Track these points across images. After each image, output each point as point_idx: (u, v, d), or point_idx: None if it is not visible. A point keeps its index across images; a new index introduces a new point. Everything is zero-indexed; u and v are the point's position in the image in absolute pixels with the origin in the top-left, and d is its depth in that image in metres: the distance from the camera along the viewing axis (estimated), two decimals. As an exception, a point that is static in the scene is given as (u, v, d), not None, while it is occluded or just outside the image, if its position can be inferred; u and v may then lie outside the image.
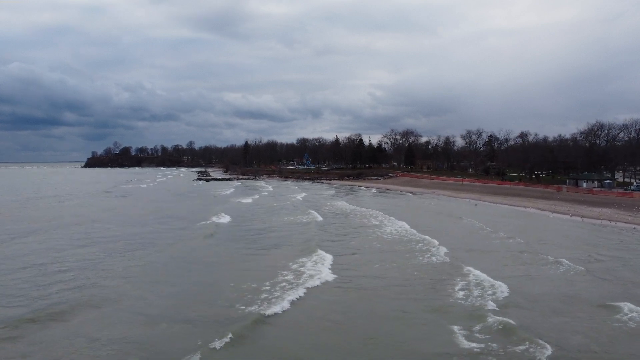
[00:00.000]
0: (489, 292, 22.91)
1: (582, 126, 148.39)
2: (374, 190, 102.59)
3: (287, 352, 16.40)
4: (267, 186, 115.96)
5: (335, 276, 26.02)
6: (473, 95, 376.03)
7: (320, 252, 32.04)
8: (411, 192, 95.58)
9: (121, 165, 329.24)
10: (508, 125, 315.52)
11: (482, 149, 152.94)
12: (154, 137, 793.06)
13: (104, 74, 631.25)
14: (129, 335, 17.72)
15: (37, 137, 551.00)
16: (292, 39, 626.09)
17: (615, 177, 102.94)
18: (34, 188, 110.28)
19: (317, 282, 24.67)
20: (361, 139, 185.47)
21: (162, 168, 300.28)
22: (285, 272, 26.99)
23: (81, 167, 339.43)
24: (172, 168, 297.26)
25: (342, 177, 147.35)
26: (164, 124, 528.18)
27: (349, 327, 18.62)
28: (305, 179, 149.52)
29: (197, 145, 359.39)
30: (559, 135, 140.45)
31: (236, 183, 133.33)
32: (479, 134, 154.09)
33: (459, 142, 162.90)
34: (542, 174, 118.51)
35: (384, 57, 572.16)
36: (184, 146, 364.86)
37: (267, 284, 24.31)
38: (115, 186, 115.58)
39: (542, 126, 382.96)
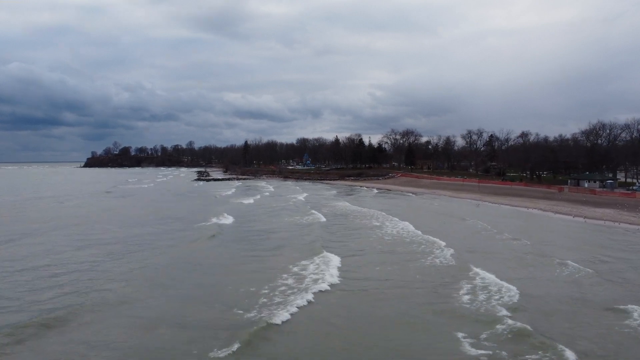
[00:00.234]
0: (500, 295, 22.53)
1: (582, 126, 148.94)
2: (375, 191, 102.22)
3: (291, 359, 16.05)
4: (267, 186, 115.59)
5: (342, 279, 25.55)
6: (473, 95, 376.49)
7: (326, 253, 31.67)
8: (412, 193, 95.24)
9: (121, 165, 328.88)
10: (508, 125, 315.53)
11: (482, 149, 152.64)
12: (153, 137, 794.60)
13: (103, 74, 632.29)
14: (128, 341, 17.28)
15: (37, 137, 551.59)
16: (292, 39, 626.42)
17: (617, 177, 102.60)
18: (33, 188, 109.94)
19: (325, 286, 24.07)
20: (361, 139, 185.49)
21: (162, 168, 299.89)
22: (291, 275, 26.57)
23: (81, 167, 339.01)
24: (172, 168, 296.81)
25: (342, 177, 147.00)
26: (163, 124, 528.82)
27: (360, 333, 18.24)
28: (305, 179, 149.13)
29: (197, 145, 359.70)
30: (560, 135, 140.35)
31: (236, 183, 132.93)
32: (480, 133, 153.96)
33: (460, 142, 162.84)
34: (544, 174, 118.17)
35: (384, 57, 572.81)
36: (184, 146, 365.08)
37: (272, 288, 23.86)
38: (115, 186, 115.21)
39: (542, 126, 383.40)
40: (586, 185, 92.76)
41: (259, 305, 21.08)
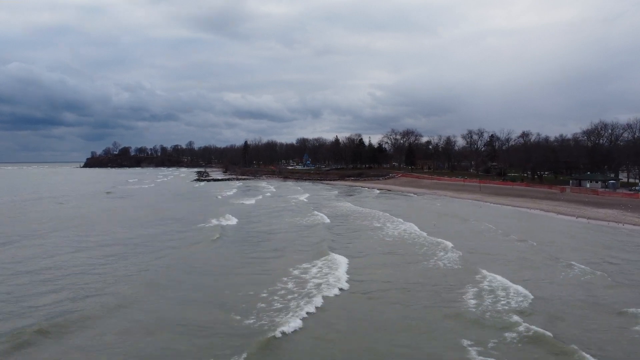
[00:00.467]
0: (511, 299, 22.27)
1: (583, 126, 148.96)
2: (376, 192, 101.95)
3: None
4: (268, 187, 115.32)
5: (351, 283, 25.20)
6: (473, 95, 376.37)
7: (332, 255, 31.40)
8: (413, 193, 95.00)
9: (120, 165, 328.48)
10: (508, 125, 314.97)
11: (483, 149, 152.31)
12: (153, 137, 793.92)
13: (103, 74, 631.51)
14: (127, 345, 16.96)
15: (37, 137, 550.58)
16: (292, 39, 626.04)
17: (619, 177, 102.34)
18: (32, 189, 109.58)
19: (334, 291, 23.63)
20: (361, 139, 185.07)
21: (161, 168, 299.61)
22: (298, 278, 26.22)
23: (80, 167, 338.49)
24: (172, 168, 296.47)
25: (342, 178, 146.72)
26: (163, 124, 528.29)
27: (368, 339, 17.99)
28: (305, 180, 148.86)
29: (197, 145, 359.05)
30: (561, 135, 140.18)
31: (237, 184, 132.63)
32: (480, 133, 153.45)
33: (460, 142, 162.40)
34: (545, 174, 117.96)
35: (384, 57, 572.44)
36: (184, 146, 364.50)
37: (272, 292, 23.40)
38: (115, 187, 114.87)
39: (542, 126, 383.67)
40: (588, 185, 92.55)
41: (265, 310, 20.79)
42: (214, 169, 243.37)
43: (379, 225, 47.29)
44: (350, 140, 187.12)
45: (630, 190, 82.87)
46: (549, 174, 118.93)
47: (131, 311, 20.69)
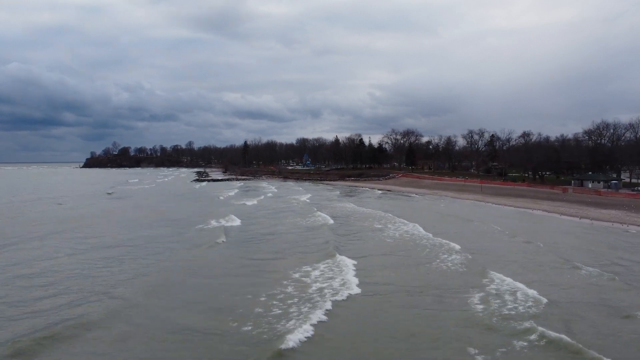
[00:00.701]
0: (526, 301, 22.01)
1: (583, 126, 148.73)
2: (378, 192, 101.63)
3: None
4: (269, 187, 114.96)
5: (360, 285, 24.75)
6: (473, 95, 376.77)
7: (339, 257, 31.08)
8: (415, 194, 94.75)
9: (120, 165, 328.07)
10: (508, 125, 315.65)
11: (483, 149, 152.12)
12: (153, 137, 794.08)
13: (103, 74, 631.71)
14: (126, 352, 16.60)
15: (36, 137, 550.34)
16: (292, 39, 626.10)
17: (621, 177, 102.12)
18: (32, 189, 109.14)
19: (344, 295, 23.19)
20: (361, 139, 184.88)
21: (161, 168, 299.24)
22: (293, 281, 25.80)
23: (80, 167, 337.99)
24: (172, 168, 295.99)
25: (342, 178, 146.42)
26: (163, 124, 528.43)
27: (379, 344, 17.74)
28: (306, 180, 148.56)
29: (197, 145, 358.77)
30: (561, 135, 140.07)
31: (237, 184, 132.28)
32: (481, 133, 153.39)
33: (460, 142, 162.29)
34: (546, 174, 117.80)
35: (384, 57, 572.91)
36: (183, 146, 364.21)
37: (270, 296, 22.93)
38: (115, 187, 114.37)
39: (543, 126, 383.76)
40: (590, 185, 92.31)
41: (267, 316, 20.48)
42: (214, 169, 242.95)
43: (384, 226, 46.97)
44: (350, 140, 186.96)
45: (633, 191, 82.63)
46: (550, 174, 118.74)
47: (131, 315, 20.22)
